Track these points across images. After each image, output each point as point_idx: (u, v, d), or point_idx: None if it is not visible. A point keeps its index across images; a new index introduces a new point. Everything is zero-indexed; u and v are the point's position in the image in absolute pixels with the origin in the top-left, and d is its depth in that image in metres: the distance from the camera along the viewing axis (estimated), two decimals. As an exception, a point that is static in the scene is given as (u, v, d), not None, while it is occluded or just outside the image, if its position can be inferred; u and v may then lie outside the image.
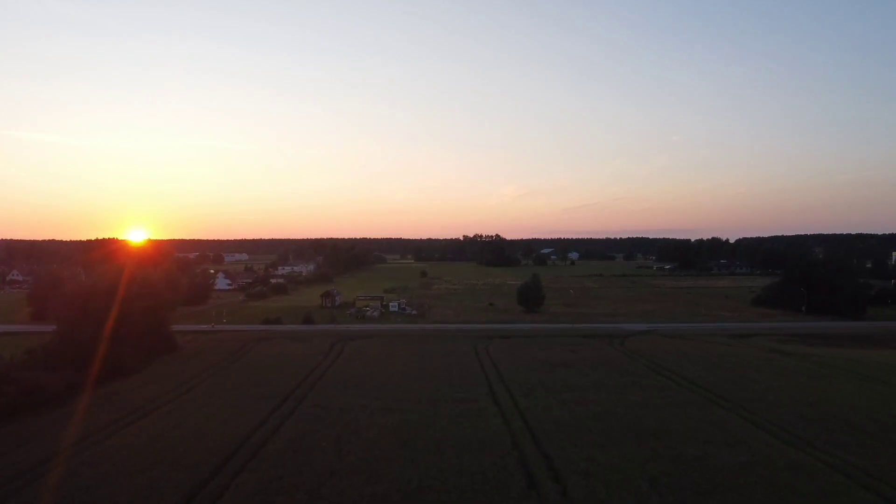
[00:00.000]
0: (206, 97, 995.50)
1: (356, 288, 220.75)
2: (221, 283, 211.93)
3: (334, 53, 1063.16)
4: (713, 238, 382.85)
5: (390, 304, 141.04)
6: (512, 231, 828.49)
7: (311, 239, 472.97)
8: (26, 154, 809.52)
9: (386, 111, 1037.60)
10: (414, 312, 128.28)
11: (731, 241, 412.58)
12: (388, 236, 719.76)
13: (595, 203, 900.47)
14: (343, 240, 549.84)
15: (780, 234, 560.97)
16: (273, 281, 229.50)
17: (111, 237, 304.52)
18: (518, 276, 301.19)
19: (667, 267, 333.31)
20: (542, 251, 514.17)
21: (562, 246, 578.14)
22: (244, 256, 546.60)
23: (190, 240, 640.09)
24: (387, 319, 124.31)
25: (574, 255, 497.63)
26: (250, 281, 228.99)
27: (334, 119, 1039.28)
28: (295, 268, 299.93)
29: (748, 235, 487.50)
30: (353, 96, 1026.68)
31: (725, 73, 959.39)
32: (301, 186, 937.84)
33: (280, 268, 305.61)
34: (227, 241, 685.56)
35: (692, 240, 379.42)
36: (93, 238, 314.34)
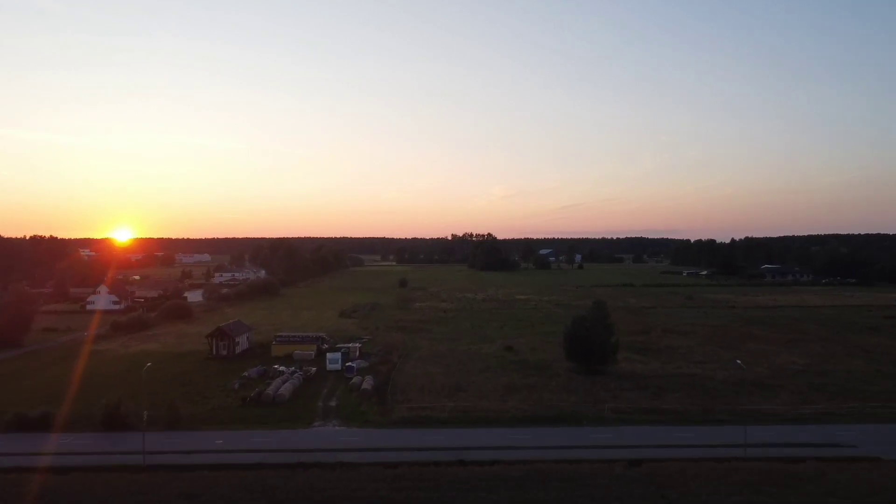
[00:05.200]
0: (194, 96, 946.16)
1: (306, 304, 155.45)
2: (103, 301, 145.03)
3: (323, 53, 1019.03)
4: (746, 238, 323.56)
5: (329, 356, 76.20)
6: (501, 231, 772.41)
7: (272, 238, 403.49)
8: (13, 152, 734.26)
9: (374, 111, 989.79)
10: (368, 387, 63.29)
11: (736, 240, 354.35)
12: (371, 235, 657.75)
13: (584, 203, 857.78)
14: (310, 239, 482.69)
15: (790, 235, 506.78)
16: (187, 295, 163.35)
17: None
18: (522, 283, 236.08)
19: (702, 273, 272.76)
20: (541, 252, 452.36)
21: (556, 246, 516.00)
22: (206, 258, 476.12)
23: (164, 238, 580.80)
24: (310, 402, 60.11)
25: (577, 258, 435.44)
26: (156, 296, 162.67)
27: (322, 119, 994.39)
28: (237, 274, 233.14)
29: (750, 235, 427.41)
30: (341, 96, 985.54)
31: (717, 74, 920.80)
32: (287, 186, 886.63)
33: (218, 275, 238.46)
34: (204, 239, 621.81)
35: (730, 240, 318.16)
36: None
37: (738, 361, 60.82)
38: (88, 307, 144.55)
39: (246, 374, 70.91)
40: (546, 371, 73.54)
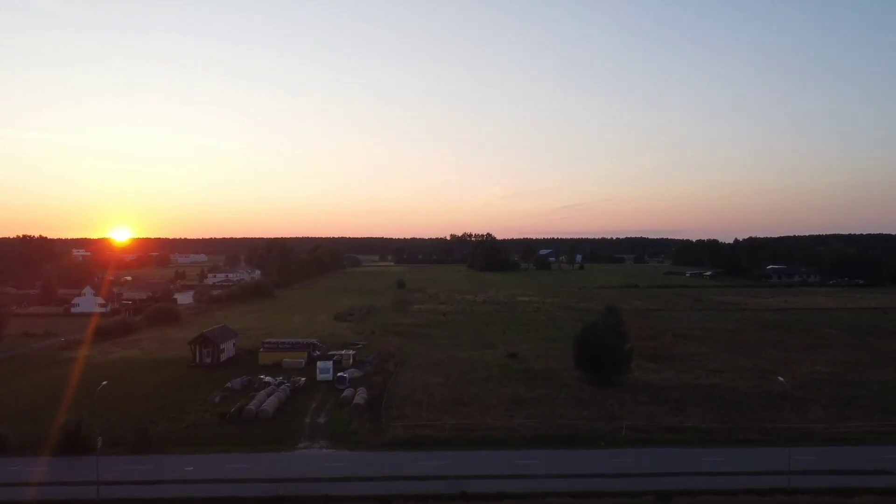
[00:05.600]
0: (193, 96, 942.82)
1: (300, 307, 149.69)
2: (89, 304, 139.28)
3: (323, 53, 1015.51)
4: (750, 238, 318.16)
5: (319, 365, 70.75)
6: (501, 231, 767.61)
7: (269, 238, 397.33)
8: (10, 152, 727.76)
9: (373, 111, 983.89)
10: (360, 401, 57.87)
11: (739, 241, 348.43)
12: (370, 235, 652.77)
13: (584, 203, 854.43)
14: (308, 239, 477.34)
15: (791, 235, 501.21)
16: (177, 297, 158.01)
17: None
18: (523, 285, 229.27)
19: (706, 274, 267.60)
20: (541, 252, 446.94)
21: (556, 246, 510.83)
22: (202, 258, 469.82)
23: (161, 238, 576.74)
24: (297, 419, 54.62)
25: (578, 258, 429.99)
26: (144, 297, 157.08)
27: (321, 119, 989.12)
28: (230, 275, 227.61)
29: (751, 235, 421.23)
30: (341, 96, 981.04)
31: (717, 74, 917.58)
32: (286, 186, 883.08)
33: (211, 276, 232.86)
34: (201, 240, 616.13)
35: (734, 240, 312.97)
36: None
37: (781, 378, 55.38)
38: (73, 310, 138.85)
39: (229, 384, 65.43)
40: (554, 381, 68.14)
